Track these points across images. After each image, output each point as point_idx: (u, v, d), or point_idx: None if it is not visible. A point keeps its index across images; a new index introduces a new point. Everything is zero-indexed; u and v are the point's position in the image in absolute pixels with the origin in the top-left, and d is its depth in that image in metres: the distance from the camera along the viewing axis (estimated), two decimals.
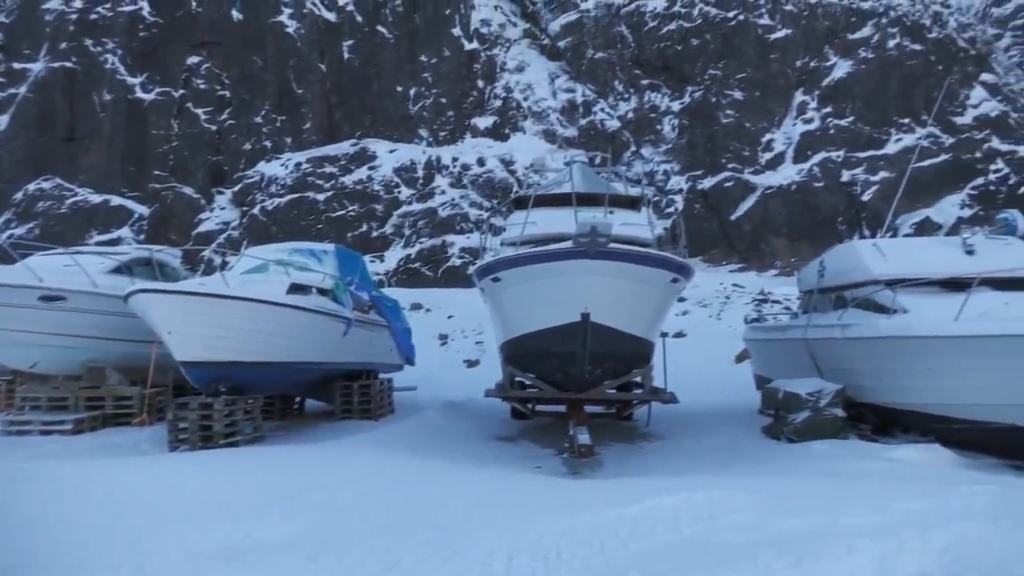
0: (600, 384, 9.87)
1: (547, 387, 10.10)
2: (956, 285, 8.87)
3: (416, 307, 24.20)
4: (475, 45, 37.69)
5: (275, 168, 33.30)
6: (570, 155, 25.70)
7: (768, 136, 35.93)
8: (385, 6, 36.44)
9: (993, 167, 34.57)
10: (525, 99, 37.32)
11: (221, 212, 32.74)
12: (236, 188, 33.08)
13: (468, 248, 29.83)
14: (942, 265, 9.47)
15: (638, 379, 10.59)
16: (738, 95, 36.30)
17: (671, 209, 33.27)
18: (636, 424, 11.87)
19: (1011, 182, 34.28)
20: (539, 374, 10.14)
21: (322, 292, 11.28)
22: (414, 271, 30.34)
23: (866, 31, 38.06)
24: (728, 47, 37.22)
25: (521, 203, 12.02)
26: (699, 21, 37.73)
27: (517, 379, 10.88)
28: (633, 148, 35.85)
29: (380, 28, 36.04)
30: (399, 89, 35.70)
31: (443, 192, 32.89)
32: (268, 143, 33.98)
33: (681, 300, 22.38)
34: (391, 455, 7.91)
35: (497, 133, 36.06)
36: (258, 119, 34.12)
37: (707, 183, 34.77)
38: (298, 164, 33.21)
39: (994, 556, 4.56)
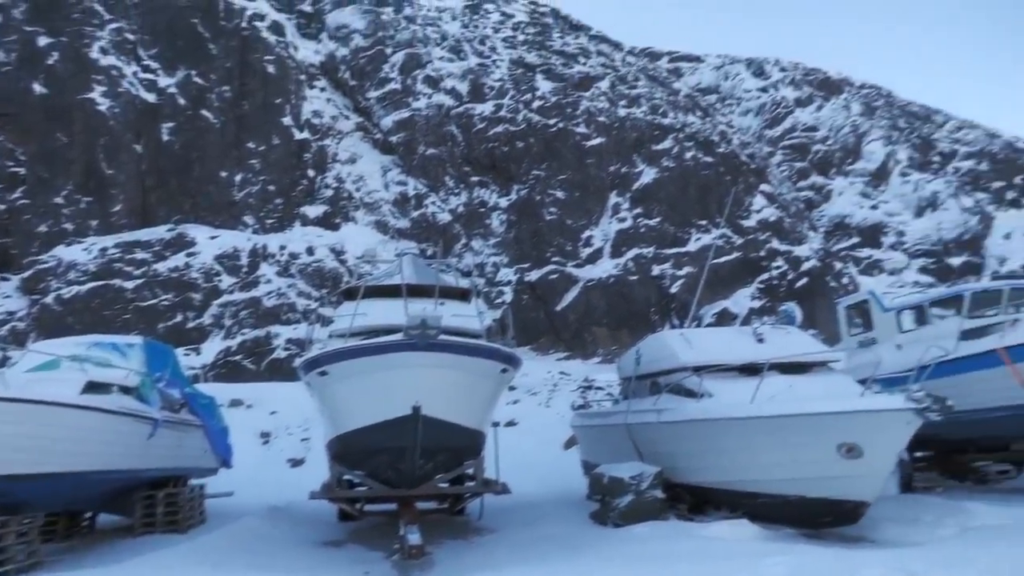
0: (432, 479, 9.67)
1: (377, 485, 9.72)
2: (751, 370, 9.89)
3: (235, 403, 22.49)
4: (306, 135, 37.54)
5: (76, 253, 30.21)
6: (402, 246, 25.95)
7: (588, 233, 38.66)
8: (211, 91, 35.44)
9: (775, 264, 39.58)
10: (357, 190, 37.44)
11: (5, 301, 28.90)
12: (26, 274, 29.49)
13: (295, 340, 28.55)
14: (739, 352, 10.53)
15: (471, 471, 10.51)
16: (560, 194, 38.97)
17: (500, 300, 34.31)
18: (469, 518, 11.68)
19: (789, 278, 39.35)
20: (369, 471, 9.75)
21: (125, 390, 10.21)
22: (234, 364, 28.39)
23: (667, 143, 42.89)
24: (550, 151, 40.15)
25: (351, 294, 11.82)
26: (523, 126, 40.51)
27: (345, 478, 10.38)
28: (464, 241, 36.93)
29: (205, 112, 34.84)
30: (224, 174, 34.35)
31: (269, 281, 31.54)
32: (69, 226, 30.89)
33: (512, 389, 22.81)
34: (195, 574, 7.11)
35: (328, 222, 35.62)
36: (59, 199, 31.04)
37: (534, 275, 36.44)
38: (104, 249, 30.40)
39: None
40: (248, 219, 33.98)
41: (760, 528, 8.65)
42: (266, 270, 31.92)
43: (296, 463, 17.90)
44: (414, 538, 8.08)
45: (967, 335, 12.05)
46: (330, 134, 38.96)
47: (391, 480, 9.49)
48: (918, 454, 12.95)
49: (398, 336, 8.41)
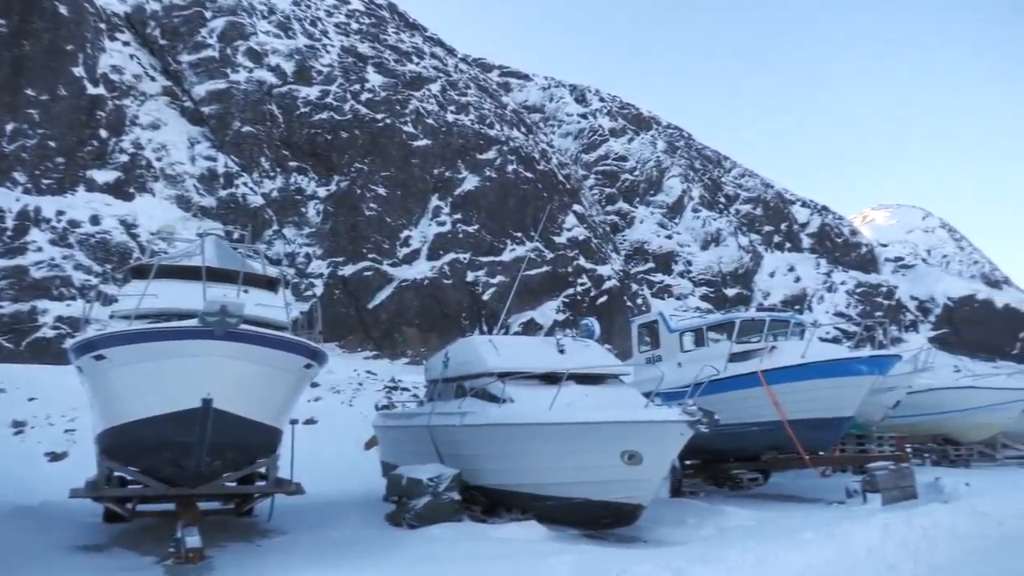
0: (219, 477, 9.04)
1: (155, 482, 8.89)
2: (551, 379, 10.40)
3: None
4: (101, 91, 33.53)
5: None
6: (205, 226, 24.04)
7: (406, 232, 38.48)
8: None
9: (580, 281, 42.06)
10: (158, 159, 34.10)
11: None
12: None
13: (67, 318, 25.33)
14: (541, 361, 11.03)
15: (263, 470, 9.96)
16: (381, 191, 38.41)
17: (310, 293, 33.03)
18: (256, 520, 11.06)
19: (592, 294, 42.04)
20: (145, 468, 8.88)
21: None
22: None
23: (491, 154, 44.00)
24: (375, 145, 39.47)
25: (141, 272, 10.71)
26: (349, 116, 39.43)
27: (116, 474, 9.36)
28: (276, 227, 35.08)
29: None
30: None
31: (40, 249, 27.68)
32: None
33: (315, 385, 22.02)
34: None
35: (119, 191, 32.05)
36: None
37: (348, 270, 35.52)
38: None
39: None
40: (19, 176, 29.60)
41: (547, 529, 9.11)
42: (37, 236, 28.01)
43: (56, 457, 15.83)
44: (193, 540, 7.50)
45: (735, 358, 13.67)
46: (131, 94, 35.15)
47: (171, 478, 8.73)
48: (687, 462, 14.41)
49: (193, 322, 7.79)
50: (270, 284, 11.48)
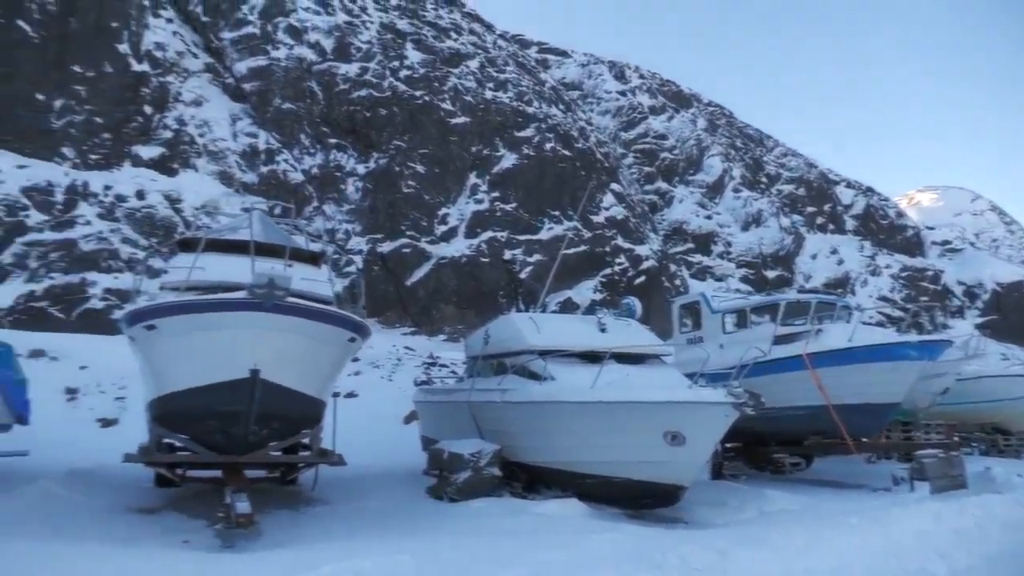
0: (265, 446, 9.22)
1: (203, 450, 9.10)
2: (592, 357, 10.34)
3: (37, 354, 20.14)
4: (145, 67, 34.03)
5: None
6: (249, 201, 24.41)
7: (444, 210, 38.55)
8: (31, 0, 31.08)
9: (617, 261, 41.73)
10: (201, 135, 34.59)
11: None
12: None
13: (115, 290, 25.98)
14: (583, 339, 10.97)
15: (307, 440, 10.14)
16: (420, 168, 38.48)
17: (350, 268, 33.38)
18: (301, 488, 11.28)
19: (630, 274, 41.69)
20: (195, 435, 9.09)
21: None
22: (39, 311, 25.30)
23: (529, 132, 43.68)
24: (413, 123, 39.47)
25: (188, 245, 10.89)
26: (388, 94, 39.46)
27: (166, 441, 9.61)
28: (316, 204, 35.43)
29: (22, 23, 30.51)
30: (40, 97, 30.29)
31: (88, 223, 28.36)
32: None
33: (355, 360, 22.32)
34: None
35: (164, 166, 32.61)
36: None
37: (386, 247, 35.78)
38: None
39: None
40: (67, 151, 30.30)
41: (588, 507, 9.10)
42: (86, 210, 28.70)
43: (108, 424, 16.36)
44: (243, 506, 7.66)
45: (779, 340, 13.42)
46: (174, 71, 35.62)
47: (219, 445, 8.93)
48: (728, 445, 14.26)
49: (241, 294, 7.90)
50: (313, 259, 11.58)
